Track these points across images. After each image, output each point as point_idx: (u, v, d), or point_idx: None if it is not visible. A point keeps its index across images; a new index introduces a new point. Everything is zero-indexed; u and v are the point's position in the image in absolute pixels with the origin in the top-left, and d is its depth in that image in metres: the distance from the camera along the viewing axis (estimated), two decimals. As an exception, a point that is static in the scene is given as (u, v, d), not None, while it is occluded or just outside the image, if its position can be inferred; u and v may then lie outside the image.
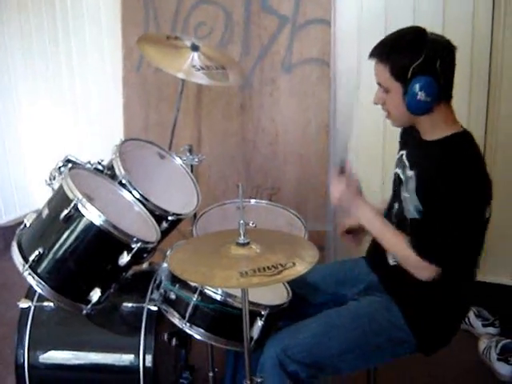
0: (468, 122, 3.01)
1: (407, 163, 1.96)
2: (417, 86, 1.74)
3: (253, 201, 2.58)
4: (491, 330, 3.02)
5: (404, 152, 2.02)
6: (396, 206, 2.00)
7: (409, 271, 1.84)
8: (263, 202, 2.60)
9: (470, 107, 3.03)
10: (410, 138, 2.01)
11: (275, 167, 3.45)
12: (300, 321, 1.98)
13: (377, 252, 2.04)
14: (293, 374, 1.85)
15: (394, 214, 2.01)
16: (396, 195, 2.01)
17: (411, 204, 1.87)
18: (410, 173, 1.90)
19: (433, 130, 1.88)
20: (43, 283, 1.87)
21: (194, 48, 2.73)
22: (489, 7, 2.88)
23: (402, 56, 1.76)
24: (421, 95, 1.75)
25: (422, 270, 1.80)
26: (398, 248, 1.87)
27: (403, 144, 2.08)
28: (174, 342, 2.11)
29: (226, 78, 2.77)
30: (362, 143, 3.30)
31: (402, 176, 1.96)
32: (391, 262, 1.99)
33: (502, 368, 2.72)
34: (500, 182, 3.10)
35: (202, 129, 3.55)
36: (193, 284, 1.86)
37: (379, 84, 1.87)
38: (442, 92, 1.80)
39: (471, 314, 3.08)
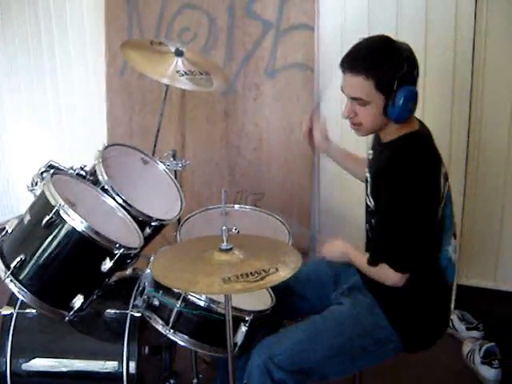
0: (451, 126, 3.04)
1: (368, 163, 2.03)
2: (404, 96, 1.75)
3: (237, 206, 2.58)
4: (475, 333, 3.03)
5: (371, 151, 2.06)
6: (367, 202, 2.02)
7: (386, 283, 1.89)
8: (247, 207, 2.60)
9: (452, 111, 3.05)
10: (375, 140, 2.05)
11: (259, 172, 3.45)
12: (291, 315, 2.06)
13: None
14: (280, 382, 1.84)
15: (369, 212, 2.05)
16: (366, 193, 2.05)
17: (369, 202, 1.94)
18: (367, 174, 1.98)
19: (389, 132, 1.90)
20: (25, 290, 1.86)
21: (178, 53, 2.73)
22: (471, 8, 2.90)
23: (386, 69, 1.76)
24: (409, 104, 1.78)
25: (390, 277, 1.86)
26: (365, 267, 1.94)
27: (371, 144, 2.11)
28: (147, 350, 2.10)
29: (210, 83, 2.77)
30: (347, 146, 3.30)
31: (367, 175, 2.02)
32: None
33: (486, 371, 2.72)
34: (481, 191, 3.16)
35: (186, 134, 3.55)
36: (176, 290, 1.85)
37: (354, 98, 1.83)
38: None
39: (455, 318, 3.09)
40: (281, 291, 2.04)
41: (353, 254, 1.99)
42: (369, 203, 1.96)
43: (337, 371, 1.97)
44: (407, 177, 1.78)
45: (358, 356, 1.95)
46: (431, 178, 1.81)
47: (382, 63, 1.77)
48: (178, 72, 2.69)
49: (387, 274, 1.85)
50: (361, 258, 1.95)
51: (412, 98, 1.78)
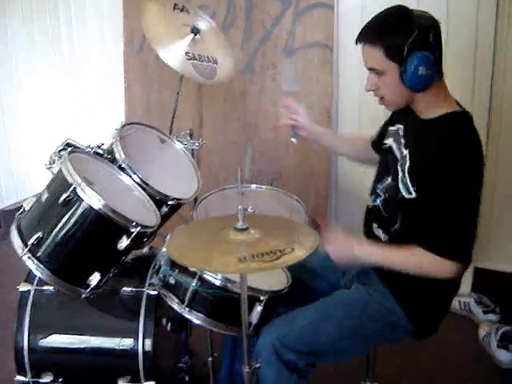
0: (472, 107, 3.00)
1: (403, 140, 1.95)
2: (416, 62, 1.72)
3: (253, 186, 2.57)
4: (491, 316, 3.02)
5: (401, 126, 2.00)
6: (389, 180, 1.96)
7: (430, 276, 1.79)
8: (264, 187, 2.59)
9: (473, 102, 3.01)
10: (407, 114, 1.97)
11: (277, 152, 3.44)
12: (298, 306, 1.98)
13: (369, 239, 2.03)
14: (289, 363, 1.84)
15: (384, 188, 1.98)
16: (388, 169, 1.99)
17: (402, 183, 1.86)
18: (405, 151, 1.90)
19: (429, 108, 1.86)
20: (42, 267, 1.87)
21: (195, 31, 2.70)
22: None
23: (394, 35, 1.74)
24: (422, 70, 1.73)
25: (446, 269, 1.77)
26: (412, 260, 1.81)
27: (399, 117, 2.04)
28: (169, 326, 2.11)
29: (213, 74, 2.73)
30: (366, 127, 3.28)
31: (396, 151, 1.96)
32: (383, 238, 1.98)
33: (501, 355, 2.72)
34: (502, 172, 3.12)
35: (204, 113, 3.54)
36: (192, 269, 1.85)
37: (371, 69, 1.84)
38: (437, 66, 1.79)
39: (472, 301, 3.08)
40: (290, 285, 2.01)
41: (385, 250, 1.87)
42: (401, 186, 1.87)
43: (346, 352, 1.97)
44: (465, 157, 1.74)
45: (367, 338, 1.96)
46: (481, 159, 1.78)
47: (389, 30, 1.76)
48: (186, 54, 2.65)
49: (442, 267, 1.76)
50: (404, 250, 1.81)
51: (424, 63, 1.74)
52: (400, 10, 1.79)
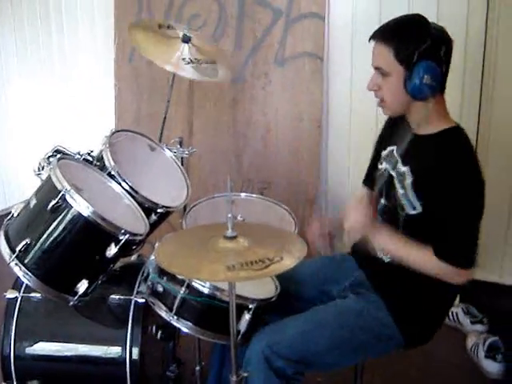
0: (460, 119, 3.01)
1: (399, 159, 1.94)
2: (422, 70, 1.74)
3: (243, 194, 2.58)
4: (479, 327, 3.02)
5: (394, 147, 2.00)
6: (383, 202, 1.99)
7: (442, 280, 1.82)
8: (254, 195, 2.60)
9: (462, 105, 3.03)
10: (398, 133, 1.98)
11: (267, 161, 3.44)
12: (288, 314, 1.97)
13: (365, 249, 2.03)
14: (279, 370, 1.83)
15: (380, 210, 2.00)
16: (381, 191, 2.00)
17: (405, 200, 1.86)
18: (404, 168, 1.89)
19: (426, 122, 1.87)
20: (30, 274, 1.86)
21: (185, 40, 2.70)
22: (483, 2, 2.88)
23: (408, 39, 1.76)
24: (426, 79, 1.75)
25: (457, 276, 1.80)
26: (428, 262, 1.82)
27: (391, 139, 2.05)
28: (159, 335, 2.10)
29: (216, 73, 2.73)
30: (355, 137, 3.29)
31: (392, 172, 1.95)
32: (385, 259, 1.97)
33: (489, 365, 2.73)
34: (490, 181, 3.13)
35: (194, 121, 3.54)
36: (180, 277, 1.85)
37: (377, 68, 1.85)
38: (442, 80, 1.81)
39: (460, 311, 3.08)
40: (280, 293, 2.01)
41: (404, 242, 1.88)
42: (404, 202, 1.88)
43: (336, 362, 1.96)
44: (465, 171, 1.76)
45: (358, 349, 1.95)
46: (480, 172, 1.79)
47: (404, 33, 1.79)
48: (183, 59, 2.65)
49: (461, 273, 1.79)
50: (423, 249, 1.83)
51: (430, 73, 1.75)
52: (419, 18, 1.82)
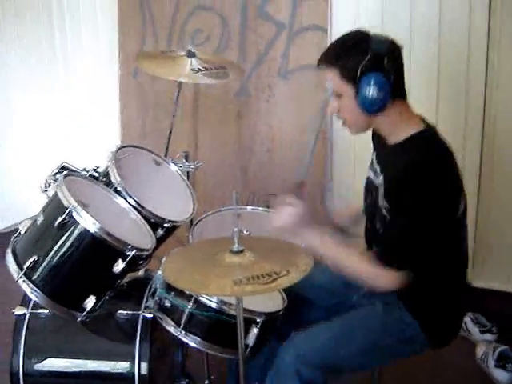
0: (465, 124, 3.02)
1: (377, 167, 1.96)
2: (367, 83, 1.73)
3: (249, 208, 2.58)
4: (488, 336, 3.01)
5: (374, 155, 2.03)
6: (370, 209, 1.99)
7: (371, 286, 1.84)
8: (260, 208, 2.60)
9: (466, 110, 3.03)
10: (378, 141, 2.01)
11: (272, 173, 3.45)
12: (310, 325, 1.97)
13: None
14: (309, 381, 1.83)
15: (378, 221, 1.97)
16: (366, 198, 2.02)
17: (384, 209, 1.86)
18: (380, 177, 1.90)
19: (393, 131, 1.87)
20: (38, 290, 1.87)
21: (190, 54, 2.71)
22: (485, 8, 2.88)
23: (349, 57, 1.76)
24: (373, 91, 1.74)
25: (383, 278, 1.79)
26: (356, 262, 1.84)
27: (374, 147, 2.07)
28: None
29: (227, 75, 2.73)
30: (360, 149, 3.29)
31: (375, 180, 1.96)
32: None
33: (499, 375, 2.71)
34: (496, 193, 3.14)
35: (199, 135, 3.55)
36: (188, 292, 1.85)
37: (333, 92, 1.85)
38: (393, 89, 1.78)
39: (468, 320, 3.07)
40: (290, 300, 2.02)
41: (333, 246, 1.88)
42: (382, 208, 1.88)
43: (364, 367, 2.02)
44: (429, 178, 1.74)
45: (385, 353, 1.96)
46: (451, 175, 1.79)
47: (345, 52, 1.78)
48: (192, 70, 2.65)
49: (386, 274, 1.78)
50: (349, 251, 1.87)
51: (376, 85, 1.74)
52: (357, 34, 1.82)
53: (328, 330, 1.93)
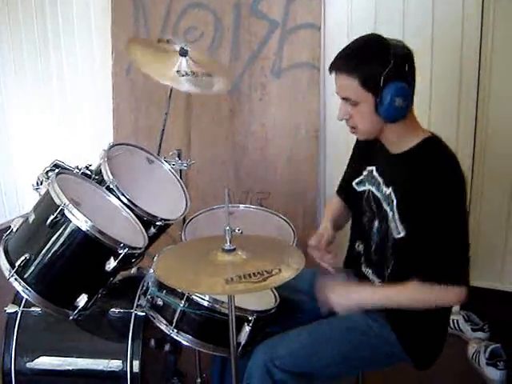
0: (457, 128, 3.03)
1: (380, 179, 1.92)
2: (392, 93, 1.70)
3: (242, 206, 2.58)
4: (480, 334, 3.02)
5: (373, 168, 1.98)
6: (376, 223, 1.94)
7: (439, 306, 1.79)
8: (252, 206, 2.60)
9: (458, 114, 3.05)
10: (375, 153, 1.96)
11: (265, 172, 3.45)
12: (290, 327, 1.96)
13: (361, 272, 2.04)
14: (280, 382, 1.82)
15: (374, 232, 1.96)
16: (373, 213, 1.96)
17: (393, 223, 1.83)
18: (388, 190, 1.87)
19: (399, 140, 1.84)
20: (29, 289, 1.86)
21: (183, 53, 2.71)
22: (478, 7, 2.89)
23: (371, 65, 1.71)
24: (398, 101, 1.71)
25: (453, 296, 1.75)
26: (420, 293, 1.77)
27: (368, 159, 2.02)
28: (166, 347, 2.11)
29: (211, 86, 2.73)
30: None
31: (377, 193, 1.92)
32: (376, 282, 1.96)
33: (491, 372, 2.72)
34: (488, 190, 3.15)
35: (192, 133, 3.55)
36: (180, 290, 1.85)
37: (345, 98, 1.80)
38: (412, 96, 1.78)
39: (460, 319, 3.08)
40: (280, 304, 2.00)
41: (372, 292, 1.88)
42: (394, 230, 1.83)
43: (339, 375, 1.96)
44: (445, 184, 1.72)
45: (361, 364, 1.95)
46: (461, 179, 1.76)
47: (366, 60, 1.73)
48: (178, 72, 2.66)
49: (447, 294, 1.74)
50: (402, 289, 1.79)
51: (401, 94, 1.72)
52: (376, 39, 1.78)
53: (304, 337, 1.91)
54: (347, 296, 1.87)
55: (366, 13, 3.12)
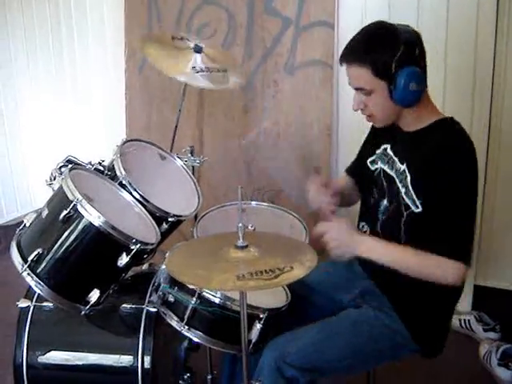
0: (471, 123, 3.01)
1: (395, 157, 1.93)
2: (406, 78, 1.71)
3: (254, 203, 2.58)
4: (492, 334, 3.01)
5: (387, 146, 1.99)
6: (385, 202, 1.95)
7: (441, 280, 1.75)
8: (264, 204, 2.60)
9: (473, 102, 3.02)
10: (390, 132, 1.97)
11: (277, 169, 3.44)
12: (302, 322, 1.97)
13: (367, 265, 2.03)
14: (291, 380, 1.83)
15: (380, 211, 1.97)
16: (382, 191, 1.97)
17: (408, 198, 1.83)
18: (402, 167, 1.87)
19: (416, 119, 1.85)
20: (42, 283, 1.87)
21: (197, 50, 2.71)
22: (493, 3, 2.87)
23: (381, 53, 1.72)
24: (412, 86, 1.72)
25: (457, 272, 1.73)
26: (427, 260, 1.74)
27: (382, 138, 2.03)
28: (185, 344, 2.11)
29: (227, 80, 2.73)
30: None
31: (390, 171, 1.93)
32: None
33: (502, 373, 2.71)
34: (501, 190, 3.13)
35: (204, 130, 3.55)
36: (191, 287, 1.85)
37: (358, 88, 1.82)
38: (425, 78, 1.79)
39: (472, 319, 3.07)
40: (292, 299, 2.01)
41: (374, 245, 1.82)
42: (408, 201, 1.82)
43: (350, 370, 1.97)
44: (463, 159, 1.73)
45: (372, 357, 1.95)
46: (476, 159, 1.76)
47: (376, 48, 1.74)
48: (193, 68, 2.65)
49: (447, 267, 1.72)
50: (393, 248, 1.80)
51: (414, 78, 1.73)
52: (383, 26, 1.79)
53: (314, 333, 1.91)
54: (349, 238, 1.83)
55: (380, 10, 3.11)
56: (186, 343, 2.20)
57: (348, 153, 3.33)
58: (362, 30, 1.82)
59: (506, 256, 3.21)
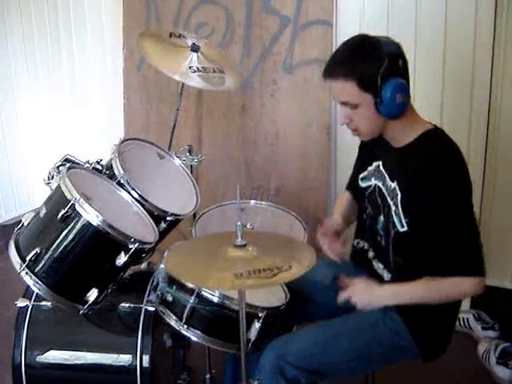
0: (469, 131, 3.01)
1: (386, 174, 1.92)
2: (390, 89, 1.70)
3: (252, 202, 2.58)
4: (491, 333, 3.01)
5: (379, 162, 1.98)
6: (382, 218, 1.94)
7: (461, 298, 1.81)
8: (263, 203, 2.60)
9: (471, 109, 3.02)
10: (381, 148, 1.96)
11: (276, 168, 3.44)
12: (304, 319, 2.00)
13: (371, 268, 2.04)
14: (292, 380, 1.82)
15: (380, 228, 1.96)
16: (378, 208, 1.96)
17: (396, 216, 1.83)
18: (392, 184, 1.87)
19: (403, 134, 1.84)
20: (40, 283, 1.87)
21: (194, 49, 2.70)
22: (491, 8, 2.87)
23: (366, 66, 1.71)
24: (398, 98, 1.72)
25: (475, 286, 1.74)
26: (445, 290, 1.77)
27: (374, 155, 2.02)
28: (170, 342, 2.11)
29: (222, 81, 2.71)
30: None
31: (383, 188, 1.93)
32: (385, 277, 1.97)
33: (501, 371, 2.71)
34: (499, 189, 3.13)
35: (203, 129, 3.55)
36: (190, 286, 1.85)
37: (344, 103, 1.80)
38: (408, 89, 1.78)
39: (471, 317, 3.07)
40: (292, 296, 2.01)
41: (394, 291, 1.86)
42: (395, 219, 1.84)
43: (351, 372, 1.97)
44: (452, 171, 1.72)
45: (373, 360, 1.94)
46: (466, 167, 1.76)
47: (360, 61, 1.72)
48: (190, 68, 2.64)
49: (463, 285, 1.74)
50: (410, 288, 1.82)
51: (400, 90, 1.72)
52: (366, 39, 1.77)
53: (316, 334, 1.92)
54: (372, 295, 1.88)
55: (378, 10, 3.10)
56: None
57: (346, 152, 3.35)
58: (344, 43, 1.81)
59: (505, 254, 3.20)
